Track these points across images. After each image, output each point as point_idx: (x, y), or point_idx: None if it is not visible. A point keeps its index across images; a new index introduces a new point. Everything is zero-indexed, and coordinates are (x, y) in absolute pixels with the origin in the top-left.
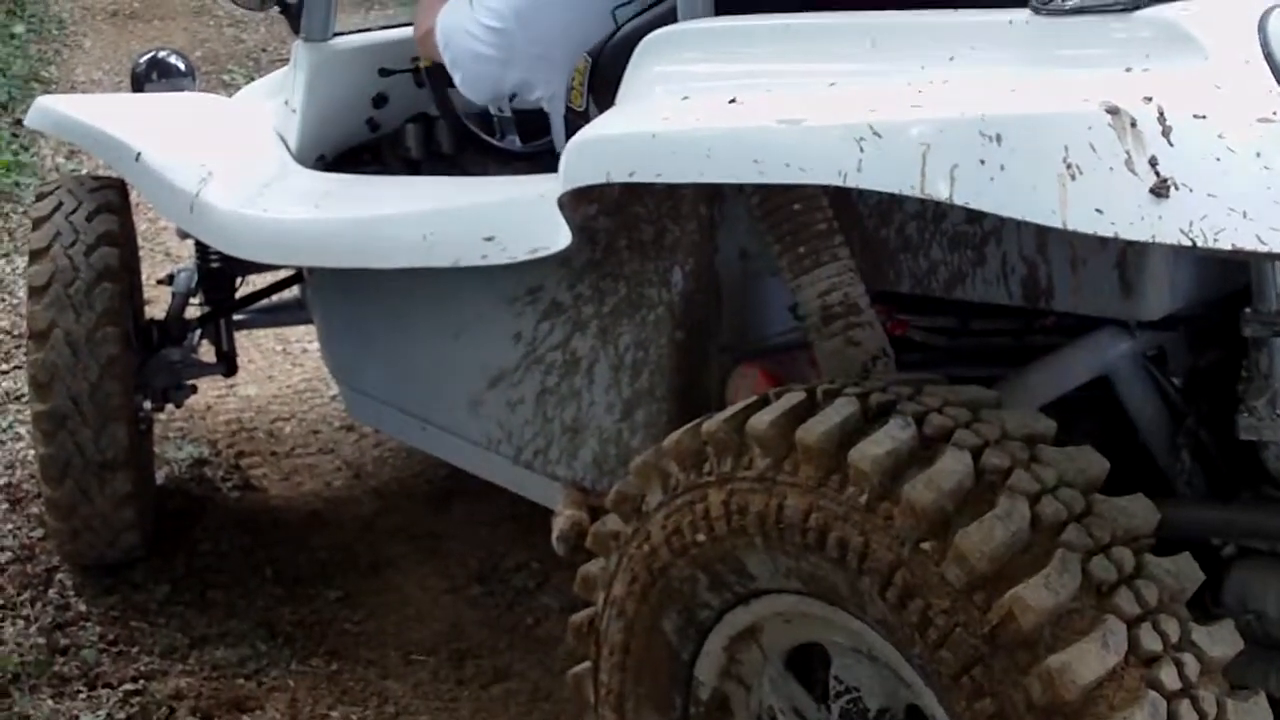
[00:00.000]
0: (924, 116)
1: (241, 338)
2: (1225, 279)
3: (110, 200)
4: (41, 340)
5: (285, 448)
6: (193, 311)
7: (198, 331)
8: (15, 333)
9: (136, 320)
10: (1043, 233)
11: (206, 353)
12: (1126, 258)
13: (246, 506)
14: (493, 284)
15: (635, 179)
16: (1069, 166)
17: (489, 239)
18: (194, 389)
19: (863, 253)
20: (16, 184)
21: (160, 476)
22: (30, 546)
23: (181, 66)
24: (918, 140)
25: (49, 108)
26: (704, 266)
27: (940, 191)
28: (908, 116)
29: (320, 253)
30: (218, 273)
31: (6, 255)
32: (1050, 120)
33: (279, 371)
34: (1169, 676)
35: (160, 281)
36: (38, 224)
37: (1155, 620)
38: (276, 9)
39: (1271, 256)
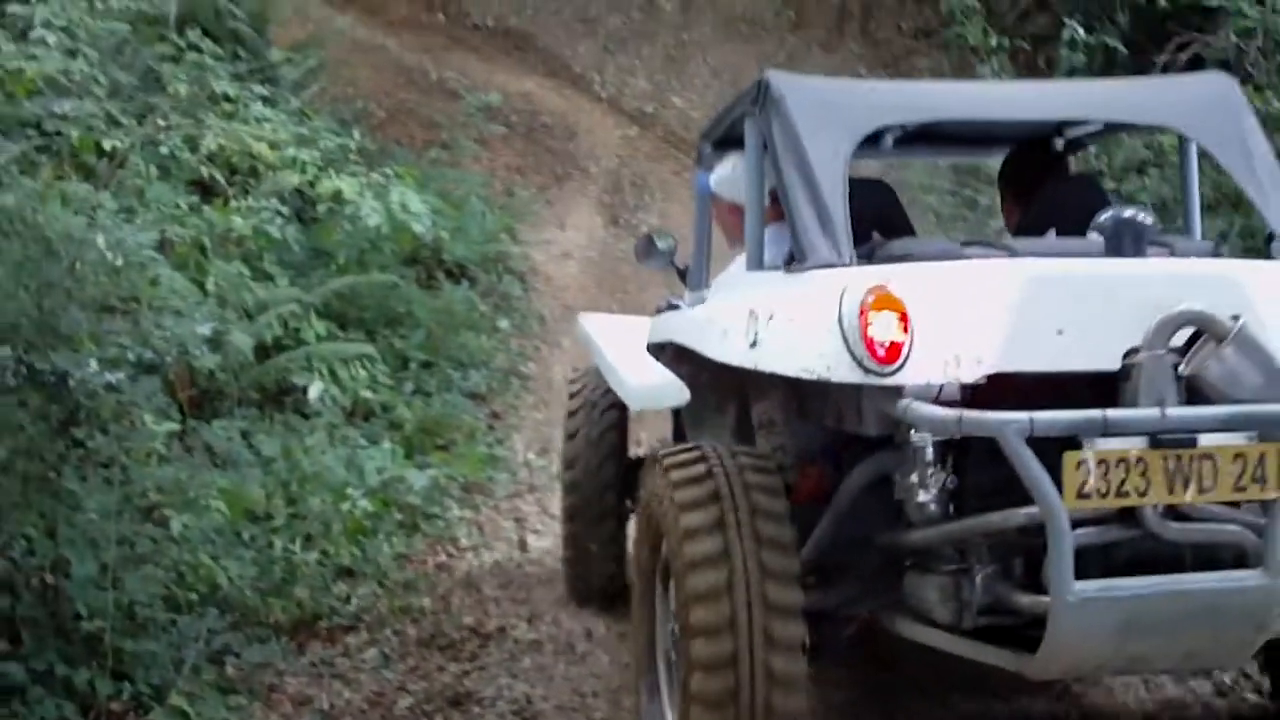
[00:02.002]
0: (711, 314)
1: None
2: None
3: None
4: (570, 467)
5: None
6: None
7: None
8: (481, 631)
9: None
10: None
11: None
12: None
13: None
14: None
15: (649, 342)
16: (724, 332)
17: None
18: None
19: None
20: (490, 478)
21: None
22: None
23: (667, 245)
24: (705, 318)
25: (580, 322)
26: (744, 409)
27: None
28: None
29: (648, 399)
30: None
31: (475, 549)
32: (724, 312)
33: None
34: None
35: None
36: (573, 395)
37: (757, 539)
38: (675, 271)
39: (803, 380)
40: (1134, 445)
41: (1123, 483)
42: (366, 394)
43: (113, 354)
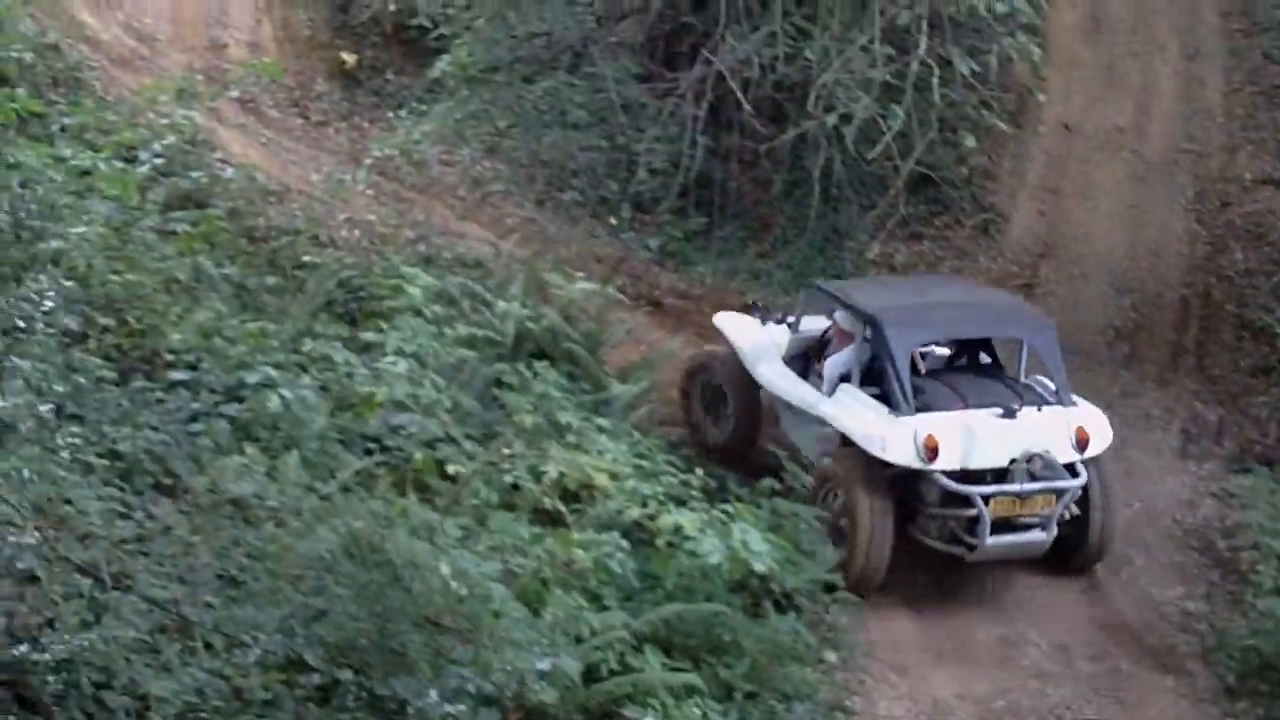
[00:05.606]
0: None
1: None
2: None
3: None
4: None
5: None
6: None
7: None
8: None
9: None
10: None
11: None
12: None
13: None
14: None
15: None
16: (869, 437)
17: None
18: None
19: None
20: None
21: None
22: None
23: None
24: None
25: (720, 318)
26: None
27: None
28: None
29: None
30: None
31: None
32: (869, 423)
33: None
34: None
35: None
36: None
37: None
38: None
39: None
40: (1009, 496)
41: (1006, 507)
42: None
43: (454, 684)
